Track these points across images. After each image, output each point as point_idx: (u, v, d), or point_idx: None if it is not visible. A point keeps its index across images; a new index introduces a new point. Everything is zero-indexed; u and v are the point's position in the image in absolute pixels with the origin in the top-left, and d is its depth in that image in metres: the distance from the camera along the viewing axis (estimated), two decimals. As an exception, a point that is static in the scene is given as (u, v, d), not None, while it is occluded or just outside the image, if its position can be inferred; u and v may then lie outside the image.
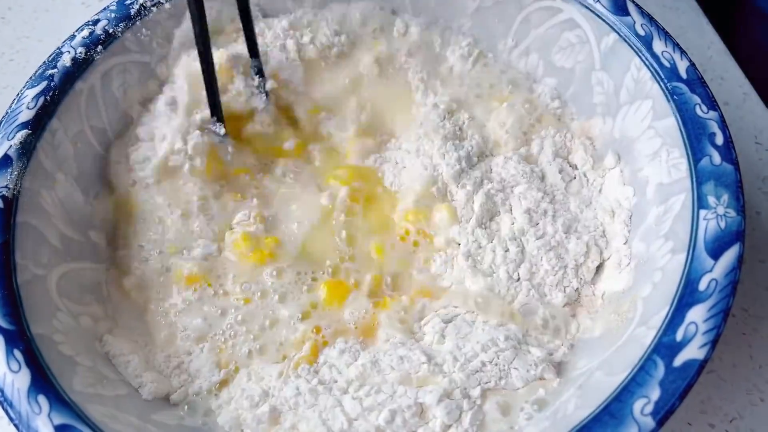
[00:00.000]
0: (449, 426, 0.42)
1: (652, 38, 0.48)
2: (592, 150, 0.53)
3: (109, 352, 0.45)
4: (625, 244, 0.48)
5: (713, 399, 0.48)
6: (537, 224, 0.50)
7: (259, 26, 0.58)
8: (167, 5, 0.54)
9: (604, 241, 0.49)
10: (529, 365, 0.44)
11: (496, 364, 0.44)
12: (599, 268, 0.49)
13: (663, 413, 0.36)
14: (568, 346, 0.46)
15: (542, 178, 0.52)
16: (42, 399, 0.38)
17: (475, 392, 0.43)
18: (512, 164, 0.52)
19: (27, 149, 0.46)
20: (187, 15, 0.54)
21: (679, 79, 0.46)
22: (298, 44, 0.57)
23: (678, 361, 0.37)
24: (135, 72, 0.54)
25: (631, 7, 0.50)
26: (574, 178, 0.53)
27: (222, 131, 0.53)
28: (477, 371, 0.44)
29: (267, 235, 0.52)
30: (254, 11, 0.58)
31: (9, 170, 0.45)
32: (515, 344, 0.45)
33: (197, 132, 0.52)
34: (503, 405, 0.43)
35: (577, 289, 0.48)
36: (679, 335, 0.38)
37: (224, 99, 0.54)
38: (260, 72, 0.55)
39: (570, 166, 0.53)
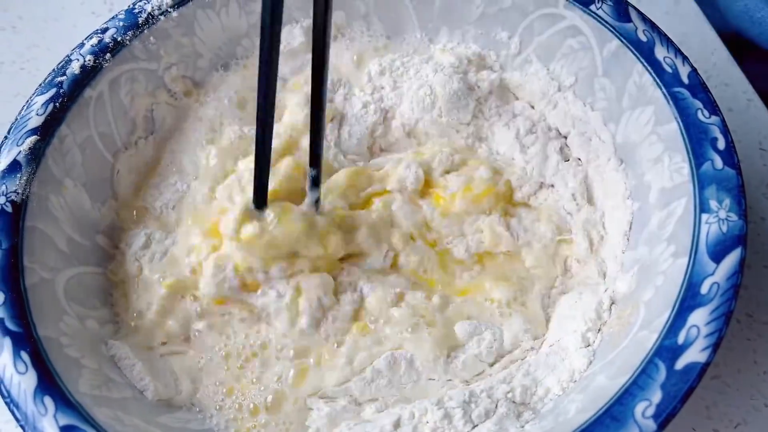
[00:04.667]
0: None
1: (654, 44, 0.48)
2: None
3: (115, 356, 0.46)
4: (623, 253, 0.48)
5: (718, 404, 0.48)
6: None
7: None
8: (174, 14, 0.55)
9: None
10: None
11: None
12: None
13: (664, 416, 0.36)
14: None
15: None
16: (48, 400, 0.38)
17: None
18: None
19: (36, 155, 0.47)
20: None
21: (681, 84, 0.46)
22: None
23: (680, 364, 0.37)
24: (143, 80, 0.54)
25: (633, 14, 0.50)
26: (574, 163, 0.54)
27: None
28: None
29: None
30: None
31: (18, 175, 0.45)
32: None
33: None
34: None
35: None
36: (680, 338, 0.38)
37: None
38: (316, 182, 0.48)
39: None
